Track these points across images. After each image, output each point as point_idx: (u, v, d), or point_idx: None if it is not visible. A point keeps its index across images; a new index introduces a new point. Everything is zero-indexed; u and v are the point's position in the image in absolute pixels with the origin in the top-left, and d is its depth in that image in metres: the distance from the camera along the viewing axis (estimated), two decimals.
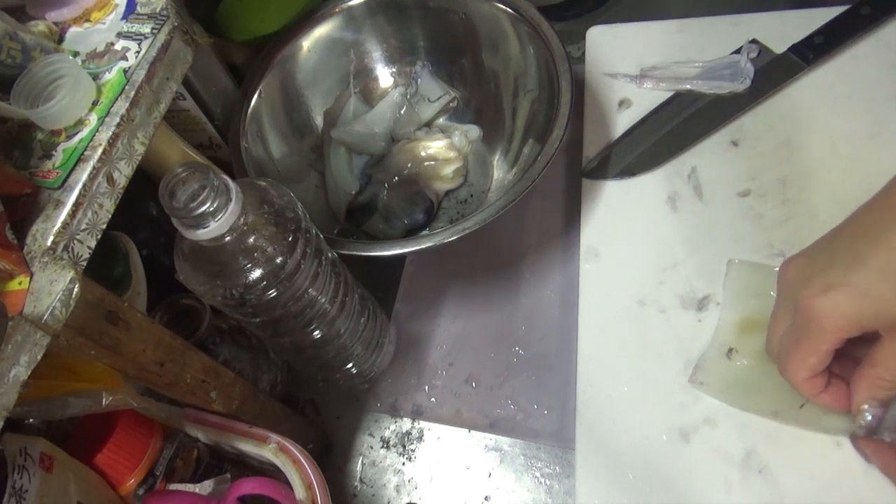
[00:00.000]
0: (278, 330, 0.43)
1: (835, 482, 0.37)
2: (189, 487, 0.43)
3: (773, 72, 0.52)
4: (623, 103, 0.56)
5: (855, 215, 0.35)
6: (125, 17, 0.40)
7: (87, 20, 0.41)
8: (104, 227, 0.34)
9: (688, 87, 0.54)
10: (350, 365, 0.52)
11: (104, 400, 0.36)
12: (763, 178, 0.48)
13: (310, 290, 0.41)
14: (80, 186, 0.32)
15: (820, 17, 0.53)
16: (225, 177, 0.35)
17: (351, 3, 0.57)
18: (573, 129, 0.56)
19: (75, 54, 0.39)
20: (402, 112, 0.61)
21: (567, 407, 0.50)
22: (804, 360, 0.34)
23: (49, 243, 0.30)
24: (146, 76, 0.37)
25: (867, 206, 0.35)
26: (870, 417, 0.35)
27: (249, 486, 0.40)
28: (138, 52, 0.38)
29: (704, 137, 0.51)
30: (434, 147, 0.60)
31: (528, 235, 0.59)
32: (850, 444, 0.37)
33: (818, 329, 0.33)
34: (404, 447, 0.54)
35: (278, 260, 0.37)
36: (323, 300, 0.43)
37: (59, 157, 0.34)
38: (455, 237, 0.43)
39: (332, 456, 0.55)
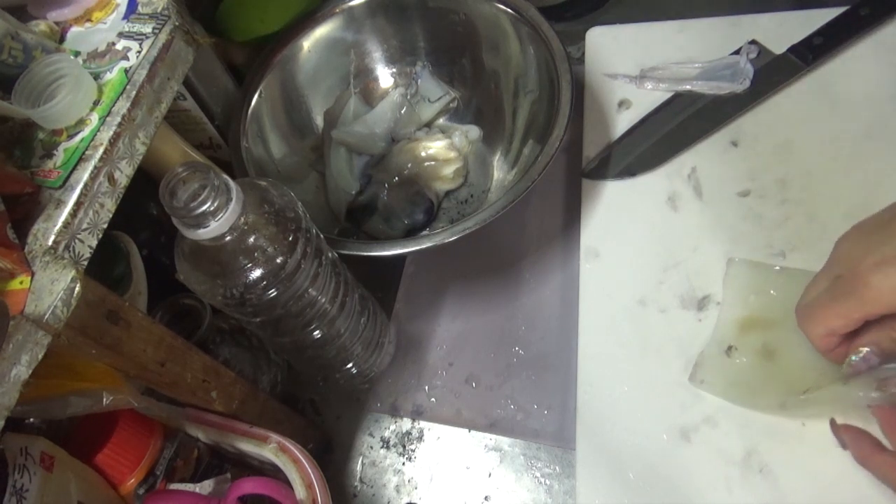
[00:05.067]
0: (278, 330, 0.43)
1: (835, 482, 0.37)
2: (189, 487, 0.43)
3: (773, 72, 0.52)
4: (623, 104, 0.56)
5: None
6: (126, 16, 0.40)
7: (89, 20, 0.41)
8: (105, 226, 0.34)
9: (687, 87, 0.54)
10: (350, 365, 0.52)
11: (105, 399, 0.36)
12: (763, 178, 0.48)
13: (310, 290, 0.41)
14: (81, 186, 0.32)
15: (819, 17, 0.53)
16: (225, 176, 0.35)
17: (351, 4, 0.57)
18: (573, 130, 0.56)
19: (76, 54, 0.39)
20: (402, 112, 0.61)
21: (567, 407, 0.50)
22: (830, 320, 0.34)
23: (50, 243, 0.30)
24: (147, 76, 0.37)
25: None
26: (856, 359, 0.35)
27: (250, 485, 0.40)
28: (139, 51, 0.38)
29: (704, 137, 0.51)
30: (434, 147, 0.60)
31: (528, 235, 0.59)
32: (829, 428, 0.38)
33: (860, 299, 0.33)
34: (404, 447, 0.54)
35: (278, 260, 0.37)
36: (323, 300, 0.43)
37: (60, 156, 0.34)
38: (455, 237, 0.43)
39: (332, 456, 0.54)
